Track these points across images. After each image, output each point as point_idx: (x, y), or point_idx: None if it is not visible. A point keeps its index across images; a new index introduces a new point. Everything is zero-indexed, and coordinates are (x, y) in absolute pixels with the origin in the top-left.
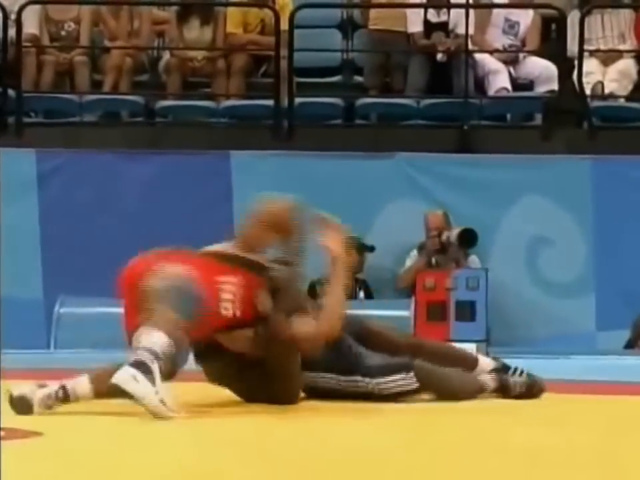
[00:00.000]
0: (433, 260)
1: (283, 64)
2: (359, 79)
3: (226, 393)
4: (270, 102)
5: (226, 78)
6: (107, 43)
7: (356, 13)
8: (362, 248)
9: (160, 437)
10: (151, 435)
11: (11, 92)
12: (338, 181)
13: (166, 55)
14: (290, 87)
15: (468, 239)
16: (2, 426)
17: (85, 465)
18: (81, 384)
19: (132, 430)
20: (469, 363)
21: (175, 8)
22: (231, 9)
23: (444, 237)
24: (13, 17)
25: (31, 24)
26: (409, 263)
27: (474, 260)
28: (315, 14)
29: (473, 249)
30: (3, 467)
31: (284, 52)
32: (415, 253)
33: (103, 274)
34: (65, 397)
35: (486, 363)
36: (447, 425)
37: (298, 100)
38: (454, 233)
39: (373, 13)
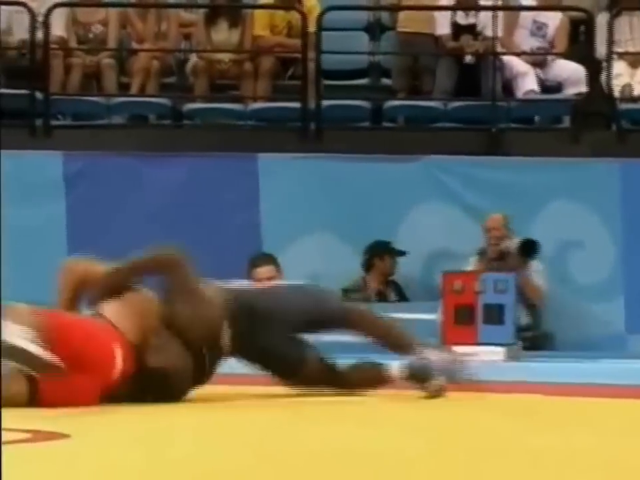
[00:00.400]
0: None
1: (311, 66)
2: (386, 81)
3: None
4: (297, 104)
5: (253, 80)
6: (135, 46)
7: (383, 15)
8: (393, 252)
9: (185, 436)
10: (177, 435)
11: (38, 94)
12: (365, 183)
13: (193, 58)
14: (317, 90)
15: (528, 249)
16: (28, 428)
17: (114, 468)
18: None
19: (158, 430)
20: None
21: (202, 10)
22: (258, 12)
23: (503, 246)
24: (40, 19)
25: (59, 26)
26: (469, 269)
27: (535, 264)
28: (342, 16)
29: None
30: (30, 471)
31: (311, 54)
32: (474, 258)
33: None
34: None
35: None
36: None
37: (325, 102)
38: (514, 242)
39: (400, 15)
